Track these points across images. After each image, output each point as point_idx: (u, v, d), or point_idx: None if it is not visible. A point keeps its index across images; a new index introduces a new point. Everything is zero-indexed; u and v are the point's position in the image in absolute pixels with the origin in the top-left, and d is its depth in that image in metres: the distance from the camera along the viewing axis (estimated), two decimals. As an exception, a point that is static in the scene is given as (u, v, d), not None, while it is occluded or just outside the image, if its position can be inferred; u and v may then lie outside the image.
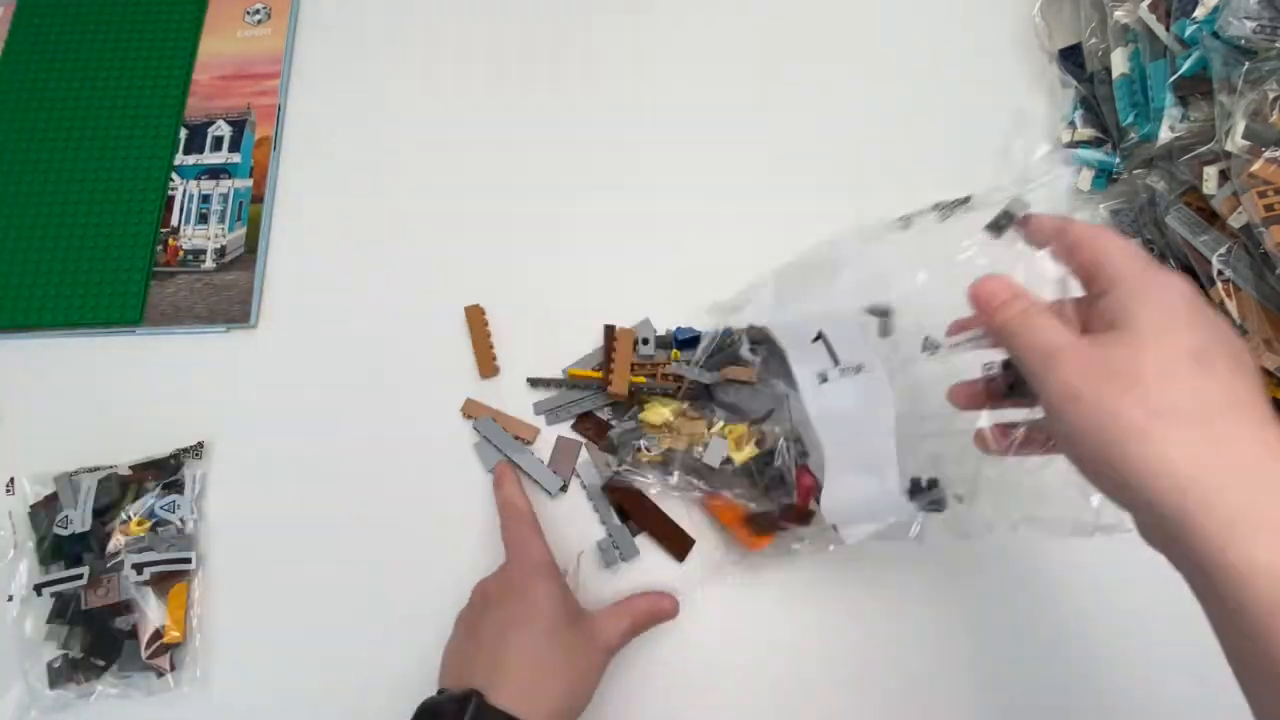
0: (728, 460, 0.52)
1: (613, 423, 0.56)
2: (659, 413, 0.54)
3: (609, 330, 0.57)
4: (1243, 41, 0.50)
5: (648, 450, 0.53)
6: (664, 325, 0.58)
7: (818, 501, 0.50)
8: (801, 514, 0.50)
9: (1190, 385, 0.30)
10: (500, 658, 0.43)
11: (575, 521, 0.54)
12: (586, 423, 0.56)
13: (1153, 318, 0.31)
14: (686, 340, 0.57)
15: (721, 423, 0.54)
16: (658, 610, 0.50)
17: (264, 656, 0.52)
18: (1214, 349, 0.30)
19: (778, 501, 0.52)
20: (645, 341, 0.56)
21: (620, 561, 0.53)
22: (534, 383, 0.57)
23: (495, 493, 0.53)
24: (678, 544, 0.53)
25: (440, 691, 0.44)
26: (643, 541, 0.54)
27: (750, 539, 0.52)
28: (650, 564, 0.54)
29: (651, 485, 0.54)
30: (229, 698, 0.51)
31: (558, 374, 0.57)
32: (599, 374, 0.57)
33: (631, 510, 0.54)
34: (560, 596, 0.46)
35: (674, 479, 0.53)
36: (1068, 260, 0.36)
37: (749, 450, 0.53)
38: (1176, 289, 0.32)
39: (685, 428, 0.53)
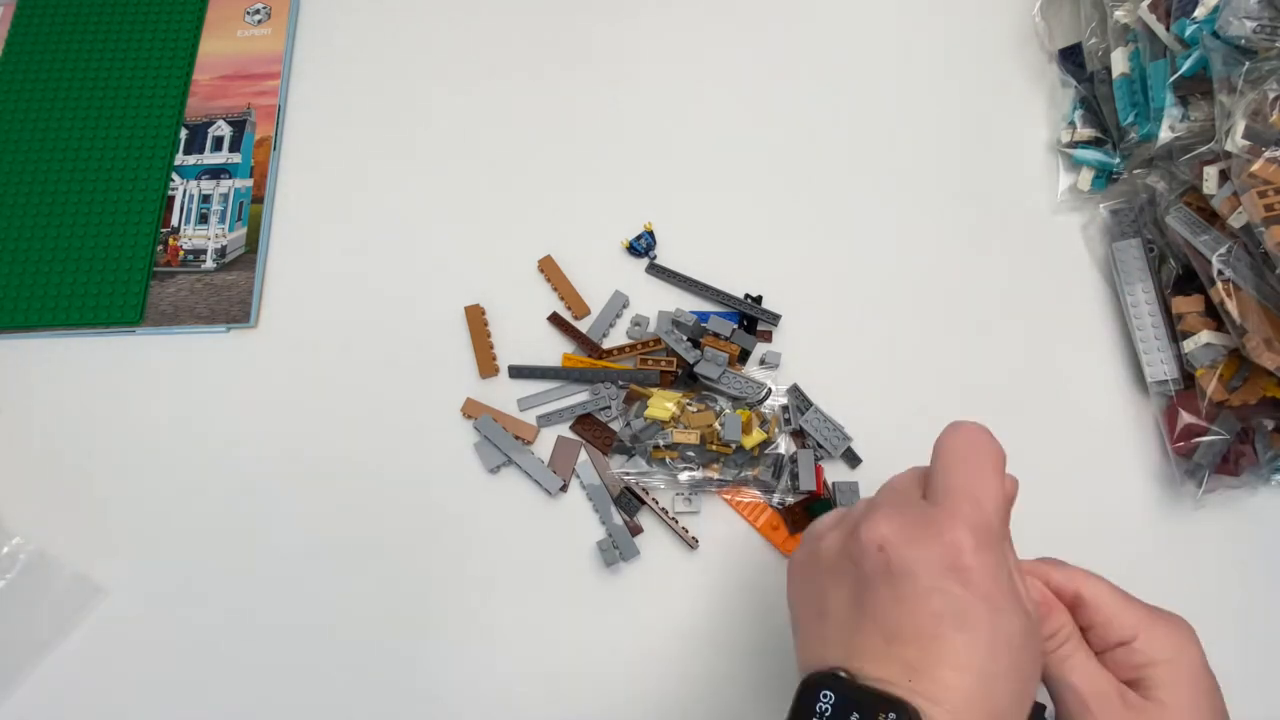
0: (739, 447, 0.52)
1: (613, 425, 0.56)
2: (664, 407, 0.53)
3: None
4: (1243, 41, 0.50)
5: (665, 448, 0.53)
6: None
7: (830, 490, 0.50)
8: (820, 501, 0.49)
9: None
10: (928, 649, 0.30)
11: (575, 522, 0.55)
12: (585, 424, 0.56)
13: (1184, 700, 0.32)
14: (702, 319, 0.58)
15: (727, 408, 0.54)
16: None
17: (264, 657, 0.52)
18: None
19: (795, 490, 0.52)
20: (637, 324, 0.57)
21: (620, 561, 0.53)
22: (515, 372, 0.57)
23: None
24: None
25: (833, 671, 0.31)
26: (643, 541, 0.54)
27: (784, 542, 0.52)
28: (652, 565, 0.54)
29: (668, 488, 0.54)
30: None
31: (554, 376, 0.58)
32: (596, 361, 0.57)
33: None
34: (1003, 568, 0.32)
35: (697, 474, 0.53)
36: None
37: (757, 434, 0.52)
38: (1192, 648, 0.34)
39: (695, 420, 0.53)
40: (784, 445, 0.55)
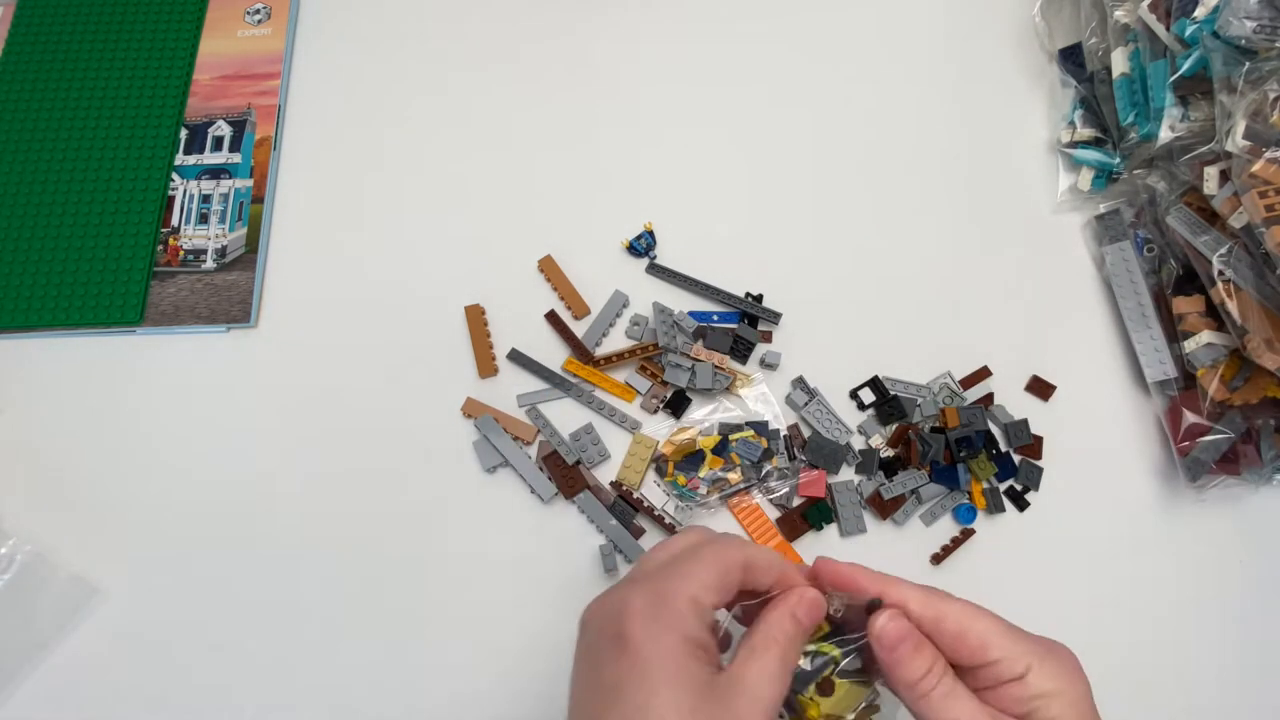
0: None
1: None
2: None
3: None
4: (1243, 41, 0.50)
5: None
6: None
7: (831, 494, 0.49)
8: None
9: None
10: None
11: (572, 529, 0.54)
12: (552, 461, 0.55)
13: None
14: (703, 320, 0.58)
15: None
16: (803, 615, 0.34)
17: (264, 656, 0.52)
18: None
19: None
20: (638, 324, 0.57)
21: (623, 565, 0.53)
22: (514, 358, 0.58)
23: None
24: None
25: None
26: (645, 542, 0.54)
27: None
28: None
29: None
30: None
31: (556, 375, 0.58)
32: (595, 371, 0.57)
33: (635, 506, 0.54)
34: (690, 654, 0.31)
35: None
36: (936, 638, 0.34)
37: None
38: (1086, 691, 0.33)
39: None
40: (783, 461, 0.55)
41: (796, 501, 0.55)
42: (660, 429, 0.56)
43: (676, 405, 0.56)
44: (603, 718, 0.30)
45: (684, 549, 0.35)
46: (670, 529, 0.54)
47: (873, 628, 0.33)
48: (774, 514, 0.55)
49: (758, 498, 0.55)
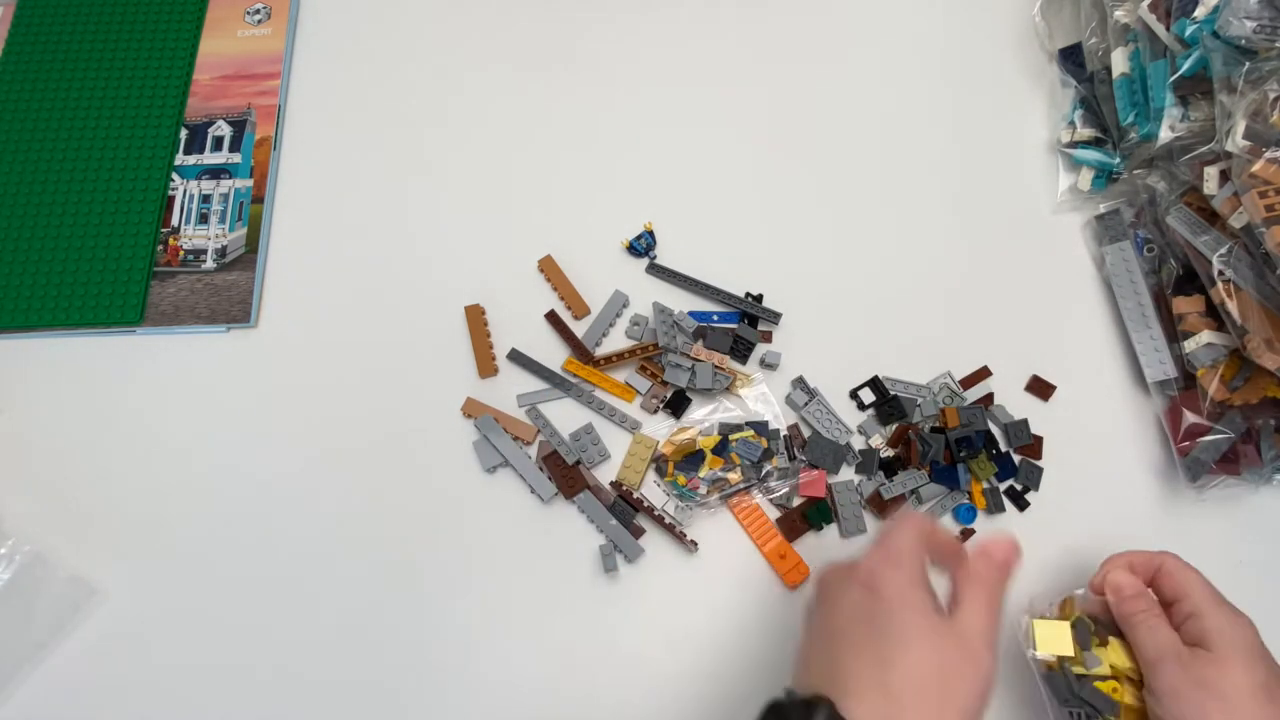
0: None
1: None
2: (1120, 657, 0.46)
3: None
4: (1243, 41, 0.50)
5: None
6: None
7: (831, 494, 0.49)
8: None
9: (1258, 710, 0.40)
10: (845, 661, 0.39)
11: (572, 529, 0.54)
12: (551, 461, 0.55)
13: (1232, 650, 0.41)
14: (703, 320, 0.58)
15: None
16: (1003, 562, 0.42)
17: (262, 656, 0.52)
18: (1274, 686, 0.41)
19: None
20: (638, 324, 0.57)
21: (620, 565, 0.53)
22: (514, 358, 0.58)
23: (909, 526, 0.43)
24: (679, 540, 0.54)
25: (788, 692, 0.38)
26: (644, 542, 0.54)
27: (788, 574, 0.52)
28: (653, 564, 0.54)
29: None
30: None
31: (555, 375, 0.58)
32: (595, 371, 0.57)
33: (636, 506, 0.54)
34: (931, 606, 0.40)
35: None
36: (1155, 585, 0.46)
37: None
38: (1248, 628, 0.43)
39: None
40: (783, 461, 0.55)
41: (797, 501, 0.55)
42: (660, 429, 0.56)
43: (676, 405, 0.56)
44: (864, 643, 0.39)
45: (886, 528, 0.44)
46: (670, 529, 0.54)
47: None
48: (774, 514, 0.55)
49: (758, 498, 0.55)
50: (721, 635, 0.52)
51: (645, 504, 0.54)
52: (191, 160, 0.65)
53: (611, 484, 0.55)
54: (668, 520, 0.54)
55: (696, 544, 0.53)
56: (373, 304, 0.60)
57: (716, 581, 0.53)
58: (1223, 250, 0.51)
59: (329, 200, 0.63)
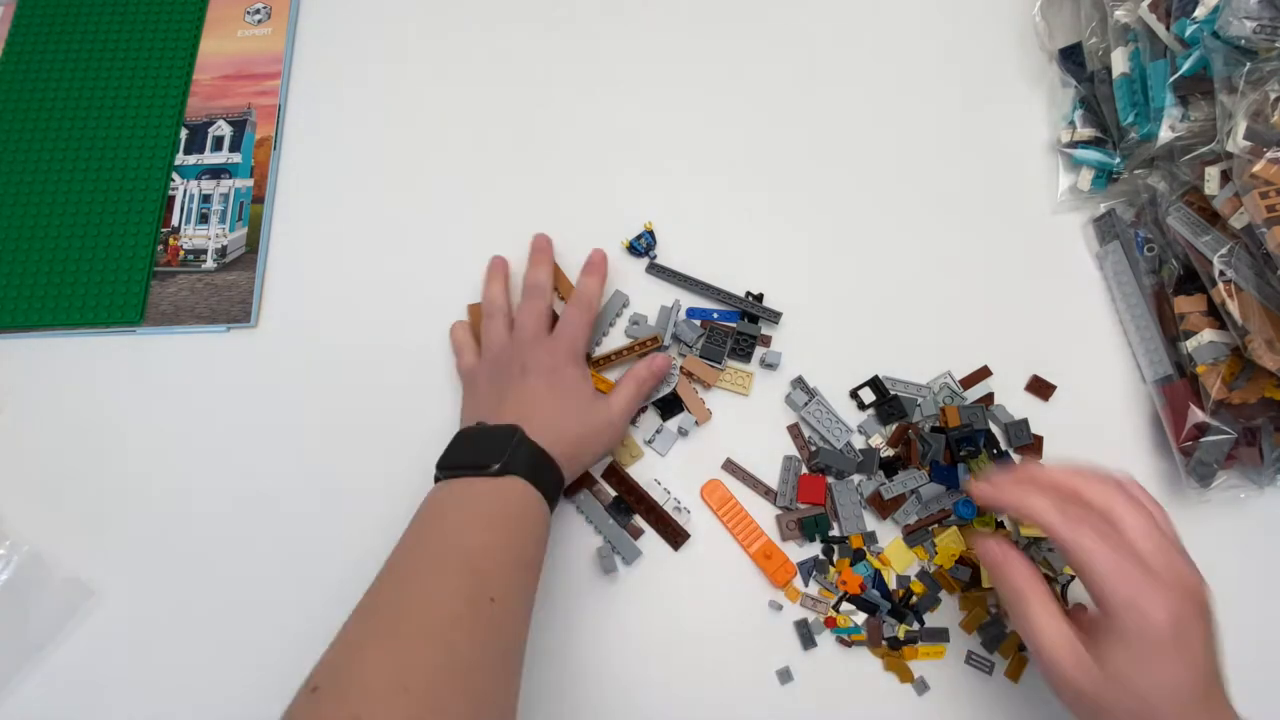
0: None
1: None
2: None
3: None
4: (1243, 41, 0.50)
5: None
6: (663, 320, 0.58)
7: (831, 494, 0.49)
8: None
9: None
10: (528, 407, 0.50)
11: (570, 530, 0.54)
12: None
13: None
14: (703, 317, 0.58)
15: None
16: (655, 369, 0.55)
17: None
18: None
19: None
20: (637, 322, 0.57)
21: (619, 566, 0.53)
22: None
23: (583, 278, 0.57)
24: (674, 535, 0.54)
25: (477, 424, 0.49)
26: (643, 543, 0.54)
27: (775, 574, 0.52)
28: (652, 564, 0.54)
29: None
30: None
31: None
32: (593, 373, 0.57)
33: (632, 504, 0.54)
34: (587, 378, 0.53)
35: None
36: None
37: None
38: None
39: None
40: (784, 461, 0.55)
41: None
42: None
43: (666, 408, 0.56)
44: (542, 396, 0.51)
45: None
46: (664, 519, 0.54)
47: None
48: (772, 513, 0.54)
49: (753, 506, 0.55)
50: (717, 636, 0.52)
51: (643, 495, 0.54)
52: (191, 160, 0.65)
53: (603, 475, 0.55)
54: (668, 520, 0.54)
55: (689, 534, 0.53)
56: (373, 303, 0.60)
57: (709, 585, 0.53)
58: (1224, 251, 0.51)
59: (329, 200, 0.63)
